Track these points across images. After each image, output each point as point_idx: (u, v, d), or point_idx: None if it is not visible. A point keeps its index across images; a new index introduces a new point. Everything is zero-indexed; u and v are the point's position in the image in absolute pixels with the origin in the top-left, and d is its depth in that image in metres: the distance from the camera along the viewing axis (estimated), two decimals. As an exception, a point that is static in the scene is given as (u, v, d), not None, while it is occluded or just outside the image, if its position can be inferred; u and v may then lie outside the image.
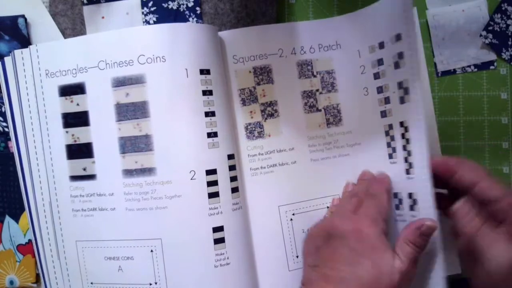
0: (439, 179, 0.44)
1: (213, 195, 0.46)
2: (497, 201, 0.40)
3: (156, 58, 0.46)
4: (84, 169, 0.49)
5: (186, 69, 0.46)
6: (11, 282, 0.53)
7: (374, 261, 0.40)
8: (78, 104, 0.48)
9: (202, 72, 0.47)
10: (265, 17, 0.52)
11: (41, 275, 0.51)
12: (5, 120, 0.52)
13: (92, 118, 0.48)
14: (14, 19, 0.52)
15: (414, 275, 0.42)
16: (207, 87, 0.47)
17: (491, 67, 0.52)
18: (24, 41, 0.52)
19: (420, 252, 0.42)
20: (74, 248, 0.50)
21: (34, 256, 0.52)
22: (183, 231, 0.46)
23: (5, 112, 0.52)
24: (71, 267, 0.50)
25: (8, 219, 0.53)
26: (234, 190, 0.48)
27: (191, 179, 0.46)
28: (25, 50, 0.50)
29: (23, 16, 0.52)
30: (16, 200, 0.52)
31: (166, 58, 0.46)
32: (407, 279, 0.41)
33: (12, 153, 0.52)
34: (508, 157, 0.53)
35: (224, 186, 0.47)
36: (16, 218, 0.53)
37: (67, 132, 0.49)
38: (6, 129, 0.53)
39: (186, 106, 0.46)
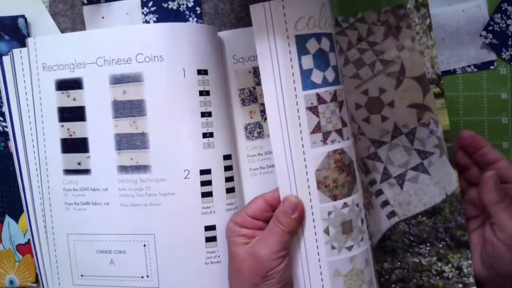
0: (466, 151, 0.48)
1: (206, 194, 0.47)
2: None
3: (154, 57, 0.46)
4: (79, 164, 0.49)
5: (184, 69, 0.46)
6: (11, 282, 0.53)
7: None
8: (74, 99, 0.49)
9: (200, 72, 0.47)
10: (265, 17, 0.52)
11: (38, 271, 0.51)
12: (5, 120, 0.52)
13: (88, 113, 0.49)
14: (14, 19, 0.52)
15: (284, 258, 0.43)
16: (204, 88, 0.47)
17: (491, 67, 0.52)
18: (24, 41, 0.52)
19: (288, 232, 0.43)
20: (65, 241, 0.50)
21: (33, 256, 0.52)
22: (176, 228, 0.47)
23: (5, 112, 0.52)
24: (61, 259, 0.50)
25: (8, 219, 0.53)
26: (230, 190, 0.48)
27: (185, 178, 0.47)
28: (23, 48, 0.50)
29: (23, 16, 0.52)
30: (16, 200, 0.53)
31: (164, 57, 0.46)
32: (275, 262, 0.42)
33: (12, 153, 0.52)
34: (508, 157, 0.52)
35: (218, 186, 0.47)
36: (16, 218, 0.53)
37: (62, 126, 0.49)
38: (6, 129, 0.53)
39: (182, 106, 0.46)
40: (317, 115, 0.43)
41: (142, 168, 0.47)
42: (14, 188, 0.52)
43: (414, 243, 0.51)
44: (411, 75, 0.51)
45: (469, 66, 0.52)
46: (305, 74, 0.43)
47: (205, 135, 0.47)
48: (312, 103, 0.43)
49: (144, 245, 0.48)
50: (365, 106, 0.52)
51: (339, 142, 0.43)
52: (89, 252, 0.49)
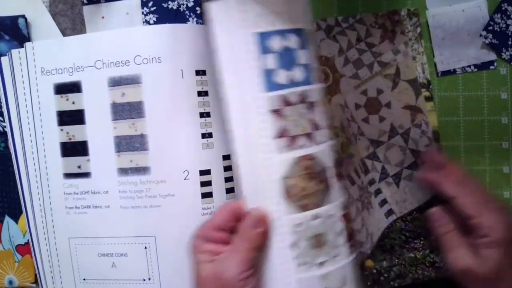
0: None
1: (206, 195, 0.47)
2: (469, 219, 0.44)
3: (152, 58, 0.46)
4: (79, 167, 0.49)
5: (182, 70, 0.46)
6: (10, 282, 0.53)
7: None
8: (74, 103, 0.49)
9: (198, 73, 0.47)
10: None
11: (37, 273, 0.51)
12: (5, 120, 0.52)
13: (88, 116, 0.49)
14: (14, 19, 0.52)
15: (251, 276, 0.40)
16: (202, 88, 0.47)
17: (491, 67, 0.52)
18: (24, 41, 0.52)
19: (253, 248, 0.40)
20: (66, 245, 0.50)
21: (32, 257, 0.52)
22: (177, 230, 0.47)
23: (3, 113, 0.52)
24: (63, 263, 0.50)
25: (7, 219, 0.53)
26: (230, 190, 0.48)
27: (185, 179, 0.47)
28: (22, 49, 0.50)
29: (23, 16, 0.52)
30: (16, 201, 0.53)
31: (162, 59, 0.46)
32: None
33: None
34: (508, 157, 0.52)
35: (218, 186, 0.47)
36: (16, 219, 0.53)
37: (62, 130, 0.49)
38: (6, 129, 0.53)
39: (181, 107, 0.47)
40: (283, 118, 0.40)
41: (142, 170, 0.47)
42: (14, 188, 0.52)
43: (410, 238, 0.52)
44: (405, 78, 0.51)
45: (469, 66, 0.52)
46: (268, 75, 0.40)
47: (204, 136, 0.47)
48: (276, 106, 0.40)
49: (145, 248, 0.48)
50: (364, 106, 0.52)
51: (309, 147, 0.40)
52: (90, 256, 0.50)
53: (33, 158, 0.50)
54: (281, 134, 0.40)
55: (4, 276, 0.53)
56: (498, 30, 0.51)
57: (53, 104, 0.49)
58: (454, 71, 0.52)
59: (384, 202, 0.52)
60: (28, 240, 0.52)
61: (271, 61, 0.40)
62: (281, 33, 0.40)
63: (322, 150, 0.41)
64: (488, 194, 0.46)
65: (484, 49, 0.52)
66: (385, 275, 0.52)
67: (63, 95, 0.49)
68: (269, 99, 0.40)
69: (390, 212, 0.52)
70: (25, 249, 0.53)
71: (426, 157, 0.49)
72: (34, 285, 0.53)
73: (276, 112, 0.40)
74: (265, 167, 0.40)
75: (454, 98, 0.53)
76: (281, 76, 0.40)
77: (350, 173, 0.52)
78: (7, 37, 0.52)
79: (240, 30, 0.40)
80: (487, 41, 0.52)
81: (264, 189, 0.40)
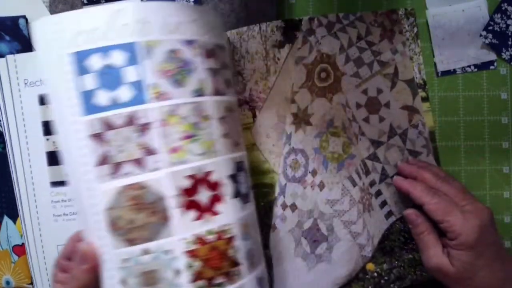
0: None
1: None
2: (438, 223, 0.45)
3: None
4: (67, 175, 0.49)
5: None
6: (8, 283, 0.53)
7: None
8: None
9: None
10: (265, 17, 0.52)
11: (31, 277, 0.51)
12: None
13: None
14: (15, 19, 0.52)
15: None
16: None
17: (491, 67, 0.52)
18: (25, 42, 0.52)
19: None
20: (55, 252, 0.50)
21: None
22: None
23: None
24: (51, 270, 0.50)
25: (6, 220, 0.53)
26: None
27: None
28: (4, 60, 0.50)
29: (24, 16, 0.52)
30: (15, 201, 0.52)
31: None
32: None
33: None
34: (508, 157, 0.52)
35: None
36: (14, 219, 0.52)
37: (47, 139, 0.50)
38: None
39: None
40: (105, 144, 0.36)
41: None
42: (13, 188, 0.52)
43: (408, 240, 0.51)
44: (403, 78, 0.51)
45: (469, 66, 0.52)
46: (86, 97, 0.36)
47: None
48: (96, 130, 0.36)
49: None
50: (365, 106, 0.52)
51: (137, 174, 0.36)
52: None
53: (21, 166, 0.50)
54: (103, 161, 0.36)
55: (1, 276, 0.53)
56: (498, 30, 0.51)
57: (37, 114, 0.50)
58: (454, 71, 0.52)
59: (384, 203, 0.52)
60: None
61: (89, 81, 0.36)
62: (102, 50, 0.36)
63: (157, 177, 0.37)
64: (463, 197, 0.46)
65: (484, 49, 0.52)
66: (386, 277, 0.51)
67: (49, 105, 0.49)
68: (88, 123, 0.36)
69: (389, 214, 0.52)
70: (21, 249, 0.52)
71: (399, 171, 0.51)
72: (30, 286, 0.53)
73: (97, 136, 0.36)
74: (88, 198, 0.37)
75: (454, 98, 0.53)
76: (102, 97, 0.36)
77: (351, 174, 0.52)
78: (7, 38, 0.52)
79: (55, 50, 0.37)
80: (487, 41, 0.52)
81: (90, 221, 0.37)
